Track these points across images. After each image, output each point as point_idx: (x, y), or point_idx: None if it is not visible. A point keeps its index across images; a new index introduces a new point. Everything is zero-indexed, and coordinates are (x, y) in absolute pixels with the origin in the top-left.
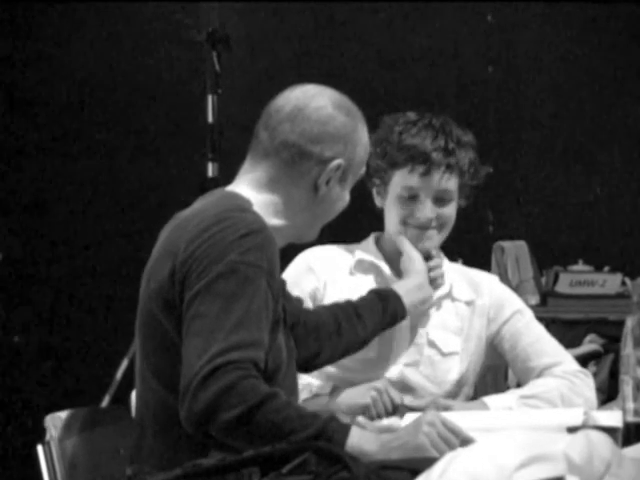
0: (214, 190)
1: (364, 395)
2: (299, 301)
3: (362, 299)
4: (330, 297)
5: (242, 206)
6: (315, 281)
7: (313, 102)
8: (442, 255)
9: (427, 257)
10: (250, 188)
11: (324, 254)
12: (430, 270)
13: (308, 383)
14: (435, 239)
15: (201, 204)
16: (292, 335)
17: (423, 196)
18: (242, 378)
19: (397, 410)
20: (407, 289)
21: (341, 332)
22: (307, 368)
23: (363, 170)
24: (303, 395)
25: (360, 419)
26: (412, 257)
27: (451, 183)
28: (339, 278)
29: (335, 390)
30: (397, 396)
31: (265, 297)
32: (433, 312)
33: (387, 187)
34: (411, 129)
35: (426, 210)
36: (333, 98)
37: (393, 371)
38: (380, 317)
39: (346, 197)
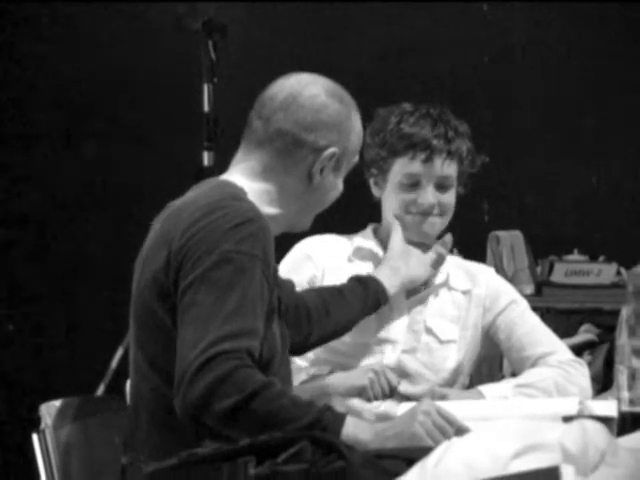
0: (208, 179)
1: (361, 377)
2: (291, 284)
3: (343, 285)
4: (328, 284)
5: (236, 195)
6: (313, 268)
7: (307, 90)
8: (450, 240)
9: (431, 240)
10: (244, 177)
11: (322, 242)
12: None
13: (306, 366)
14: (437, 225)
15: (195, 193)
16: (286, 318)
17: (425, 182)
18: (237, 367)
19: (394, 393)
20: (382, 274)
21: (329, 314)
22: (298, 351)
23: (357, 158)
24: (301, 377)
25: (356, 401)
26: (392, 242)
27: (451, 169)
28: (337, 265)
29: (333, 372)
30: (394, 378)
31: (260, 286)
32: (431, 300)
33: (386, 176)
34: (409, 118)
35: (428, 196)
36: (326, 86)
37: (390, 357)
38: (363, 300)
39: (340, 185)
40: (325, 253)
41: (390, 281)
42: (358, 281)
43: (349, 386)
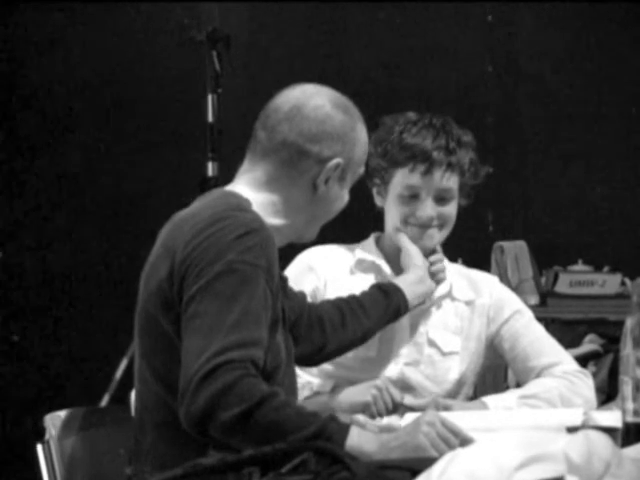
0: (213, 190)
1: (365, 393)
2: (302, 295)
3: (364, 293)
4: (330, 296)
5: (241, 205)
6: (315, 280)
7: (312, 101)
8: (441, 253)
9: (429, 252)
10: (249, 188)
11: (325, 253)
12: (431, 264)
13: (308, 381)
14: (436, 238)
15: (200, 204)
16: (297, 329)
17: (424, 195)
18: (241, 377)
19: (397, 408)
20: (408, 283)
21: (345, 324)
22: (313, 362)
23: (362, 169)
24: (304, 393)
25: (360, 417)
26: (411, 252)
27: (452, 182)
28: (339, 277)
29: (336, 388)
30: (397, 394)
31: (264, 296)
32: (433, 311)
33: (388, 186)
34: (412, 129)
35: (427, 209)
36: (331, 97)
37: (393, 370)
38: (383, 310)
39: (345, 196)
40: (327, 265)
41: (414, 291)
42: (380, 290)
43: (352, 402)
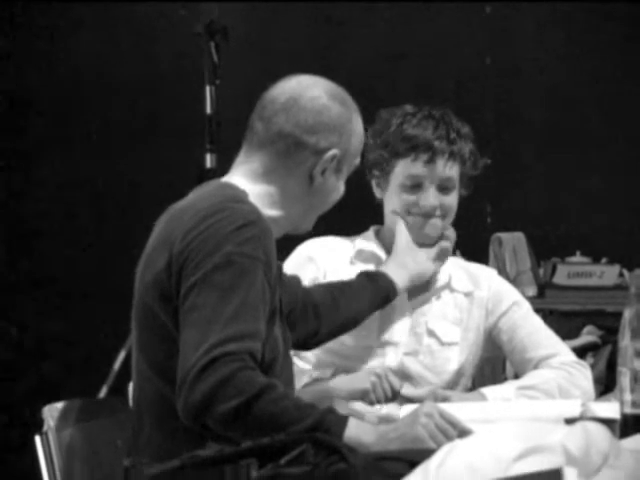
0: (209, 181)
1: (364, 380)
2: (296, 280)
3: (353, 280)
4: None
5: (238, 197)
6: (315, 270)
7: (308, 92)
8: (453, 234)
9: (434, 241)
10: (245, 179)
11: (324, 244)
12: (442, 238)
13: (308, 368)
14: (439, 227)
15: (196, 195)
16: (291, 314)
17: (427, 184)
18: (239, 370)
19: (396, 396)
20: (389, 269)
21: (338, 307)
22: (307, 345)
23: (358, 160)
24: (303, 380)
25: (359, 404)
26: (398, 239)
27: (454, 171)
28: (339, 268)
29: (335, 375)
30: (397, 382)
31: (262, 288)
32: (433, 302)
33: (388, 177)
34: (411, 120)
35: (430, 198)
36: (328, 88)
37: (392, 360)
38: (373, 295)
39: (341, 187)
40: (327, 255)
41: (398, 276)
42: (367, 276)
43: (351, 389)
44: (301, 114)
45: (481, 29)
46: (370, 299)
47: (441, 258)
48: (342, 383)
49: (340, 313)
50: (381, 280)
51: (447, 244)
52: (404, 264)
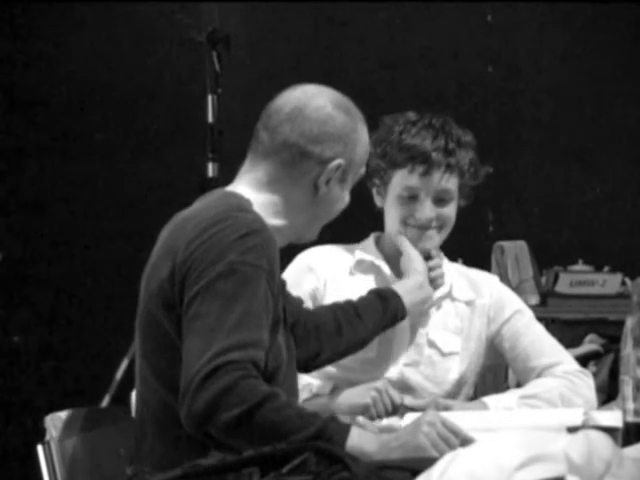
0: (214, 190)
1: (364, 395)
2: (299, 301)
3: (362, 299)
4: (330, 297)
5: (242, 206)
6: (315, 281)
7: (313, 102)
8: (442, 255)
9: (427, 257)
10: (250, 188)
11: (324, 254)
12: (430, 270)
13: (308, 383)
14: (435, 239)
15: (201, 204)
16: (292, 335)
17: (423, 196)
18: (242, 378)
19: (397, 410)
20: (407, 289)
21: (341, 332)
22: (307, 368)
23: (363, 170)
24: (303, 395)
25: (360, 419)
26: (411, 256)
27: (451, 183)
28: (339, 278)
29: (335, 390)
30: (397, 396)
31: (265, 297)
32: (433, 312)
33: (387, 187)
34: (411, 129)
35: (426, 210)
36: (333, 98)
37: (393, 371)
38: (380, 316)
39: (346, 197)
40: (327, 265)
41: (414, 297)
42: (378, 296)
43: (352, 404)
44: (306, 124)
45: (483, 37)
46: (377, 321)
47: (437, 284)
48: (342, 398)
49: (343, 338)
50: (392, 302)
51: (437, 273)
52: (422, 286)
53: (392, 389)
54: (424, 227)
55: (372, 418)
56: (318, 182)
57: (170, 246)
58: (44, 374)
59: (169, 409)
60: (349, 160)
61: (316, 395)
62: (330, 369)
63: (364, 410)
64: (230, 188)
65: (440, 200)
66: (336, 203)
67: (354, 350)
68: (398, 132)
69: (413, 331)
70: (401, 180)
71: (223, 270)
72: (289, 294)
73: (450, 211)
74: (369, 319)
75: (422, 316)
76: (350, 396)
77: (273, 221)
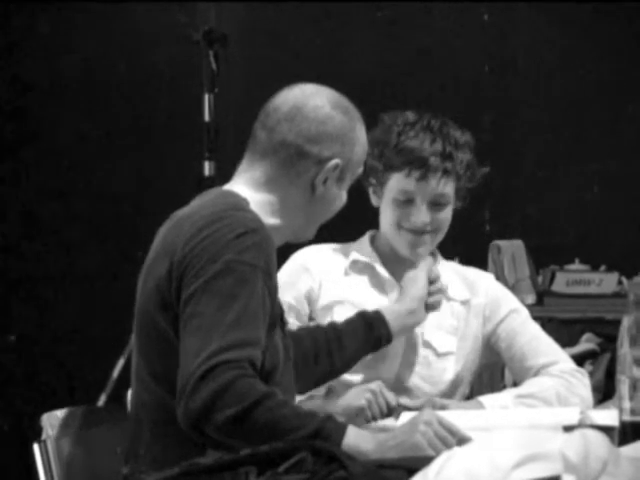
0: (211, 189)
1: (359, 397)
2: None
3: (347, 323)
4: (325, 297)
5: (239, 205)
6: (310, 281)
7: (311, 101)
8: (439, 255)
9: (432, 281)
10: (247, 187)
11: (319, 254)
12: (430, 294)
13: None
14: (429, 243)
15: (198, 203)
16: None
17: (419, 200)
18: (239, 377)
19: (392, 412)
20: (398, 314)
21: (318, 362)
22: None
23: (361, 169)
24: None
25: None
26: (417, 279)
27: (448, 187)
28: (334, 278)
29: (330, 391)
30: (392, 398)
31: (262, 296)
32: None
33: (383, 188)
34: (409, 131)
35: (421, 215)
36: (331, 97)
37: (388, 372)
38: (362, 343)
39: (343, 197)
40: (322, 265)
41: (402, 322)
42: (364, 321)
43: (346, 407)
44: (304, 123)
45: (480, 36)
46: (358, 349)
47: (433, 309)
48: (337, 400)
49: (318, 368)
50: (377, 328)
51: (435, 299)
52: (414, 313)
53: (387, 390)
54: (419, 231)
55: (367, 420)
56: (315, 182)
57: (167, 245)
58: (40, 373)
59: (165, 408)
60: (347, 160)
61: (311, 397)
62: None
63: (359, 412)
64: (227, 187)
65: (436, 204)
66: (333, 203)
67: (327, 380)
68: (396, 134)
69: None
70: (397, 183)
71: (220, 269)
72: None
73: (445, 215)
74: (350, 346)
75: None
76: (345, 398)
77: (270, 220)
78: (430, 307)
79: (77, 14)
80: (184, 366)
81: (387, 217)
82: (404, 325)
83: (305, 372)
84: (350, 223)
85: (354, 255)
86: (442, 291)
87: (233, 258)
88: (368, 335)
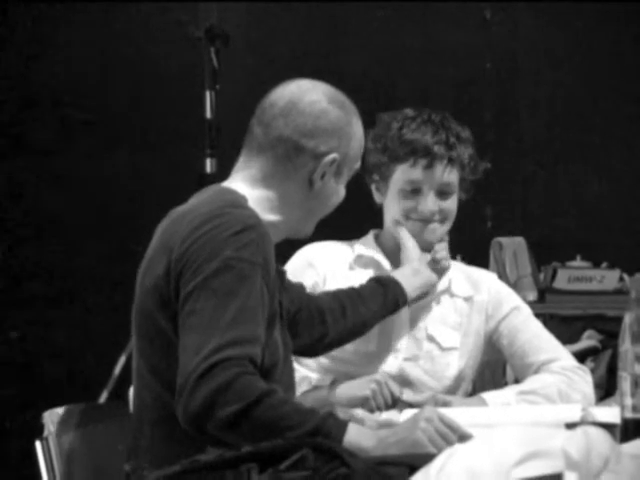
0: (209, 186)
1: (364, 387)
2: (301, 286)
3: (363, 286)
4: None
5: (237, 202)
6: (315, 276)
7: (307, 96)
8: (446, 239)
9: (432, 246)
10: (245, 184)
11: (324, 249)
12: (436, 252)
13: (306, 376)
14: (438, 232)
15: (196, 200)
16: (297, 320)
17: (426, 189)
18: (239, 375)
19: (397, 403)
20: (403, 276)
21: (346, 314)
22: (314, 352)
23: (358, 164)
24: (302, 388)
25: (359, 411)
26: (407, 245)
27: (453, 176)
28: (339, 273)
29: (335, 382)
30: (397, 389)
31: (261, 293)
32: (433, 307)
33: (388, 182)
34: (411, 124)
35: (429, 203)
36: (327, 92)
37: (392, 365)
38: (382, 301)
39: (341, 192)
40: (326, 260)
41: (411, 283)
42: (377, 282)
43: (351, 397)
44: (300, 118)
45: (481, 34)
46: (380, 305)
47: (443, 271)
48: (342, 390)
49: (348, 319)
50: (391, 287)
51: (441, 255)
52: (418, 271)
53: (392, 381)
54: (427, 220)
55: (371, 410)
56: (313, 177)
57: (165, 242)
58: (42, 370)
59: (166, 406)
60: (344, 154)
61: (315, 387)
62: (329, 362)
63: (363, 402)
64: (225, 184)
65: (442, 193)
66: (331, 198)
67: (359, 333)
68: (397, 127)
69: (413, 325)
70: (403, 174)
71: (219, 266)
72: (290, 282)
73: (452, 204)
74: (372, 303)
75: (422, 310)
76: (349, 388)
77: (268, 216)
78: (440, 271)
79: (78, 12)
80: (184, 364)
81: (394, 210)
82: (413, 285)
83: (335, 327)
84: (353, 223)
85: (359, 249)
86: (445, 257)
87: (231, 255)
88: (385, 293)
